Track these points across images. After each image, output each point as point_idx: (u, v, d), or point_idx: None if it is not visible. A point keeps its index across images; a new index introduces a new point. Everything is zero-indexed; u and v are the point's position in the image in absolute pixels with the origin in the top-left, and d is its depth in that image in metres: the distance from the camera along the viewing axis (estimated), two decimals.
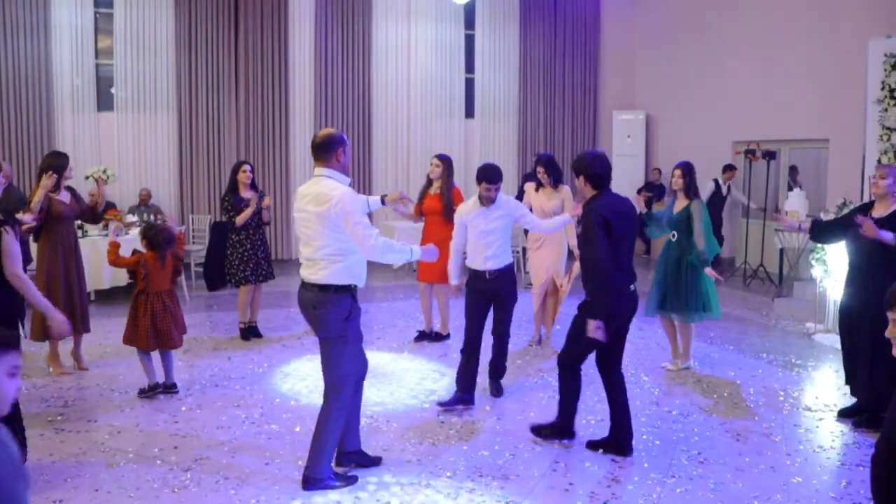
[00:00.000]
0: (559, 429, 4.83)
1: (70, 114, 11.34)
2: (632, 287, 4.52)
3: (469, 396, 5.48)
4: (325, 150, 3.98)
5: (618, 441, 4.66)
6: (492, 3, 13.70)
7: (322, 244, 3.92)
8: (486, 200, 5.38)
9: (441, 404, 5.49)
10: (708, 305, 6.23)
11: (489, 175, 5.32)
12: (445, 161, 7.05)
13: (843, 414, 5.35)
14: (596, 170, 4.38)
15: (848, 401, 5.53)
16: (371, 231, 3.88)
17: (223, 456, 4.60)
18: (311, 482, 4.12)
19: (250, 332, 7.50)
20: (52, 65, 11.12)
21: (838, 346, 5.60)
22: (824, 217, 7.28)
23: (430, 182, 7.14)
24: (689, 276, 6.14)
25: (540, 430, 4.91)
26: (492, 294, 5.52)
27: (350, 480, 4.22)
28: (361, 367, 4.26)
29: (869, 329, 4.90)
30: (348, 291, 4.00)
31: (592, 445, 4.74)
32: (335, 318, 3.97)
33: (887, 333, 2.39)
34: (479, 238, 5.50)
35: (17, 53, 10.82)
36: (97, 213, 6.51)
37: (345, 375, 4.09)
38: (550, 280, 7.10)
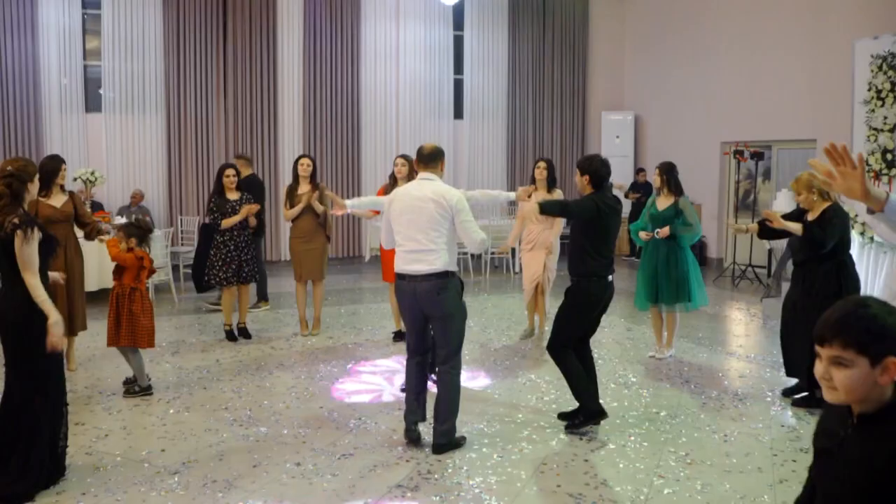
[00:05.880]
0: (587, 413, 5.04)
1: (58, 115, 11.28)
2: (609, 277, 5.01)
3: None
4: (433, 159, 4.74)
5: (589, 408, 5.01)
6: (480, 4, 13.72)
7: (439, 235, 4.57)
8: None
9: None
10: (701, 295, 6.69)
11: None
12: (411, 161, 7.02)
13: (786, 393, 5.84)
14: (602, 172, 5.00)
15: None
16: (477, 227, 4.64)
17: (211, 458, 4.58)
18: (444, 447, 4.65)
19: (240, 333, 7.49)
20: (40, 65, 11.07)
21: None
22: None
23: (394, 181, 7.06)
24: (678, 269, 6.56)
25: (573, 423, 5.09)
26: None
27: (462, 441, 4.80)
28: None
29: (815, 316, 5.27)
30: (456, 274, 4.68)
31: (567, 420, 5.13)
32: (455, 297, 4.63)
33: (816, 373, 1.91)
34: None
35: (3, 53, 10.76)
36: (90, 232, 6.33)
37: (461, 345, 4.76)
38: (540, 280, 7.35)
